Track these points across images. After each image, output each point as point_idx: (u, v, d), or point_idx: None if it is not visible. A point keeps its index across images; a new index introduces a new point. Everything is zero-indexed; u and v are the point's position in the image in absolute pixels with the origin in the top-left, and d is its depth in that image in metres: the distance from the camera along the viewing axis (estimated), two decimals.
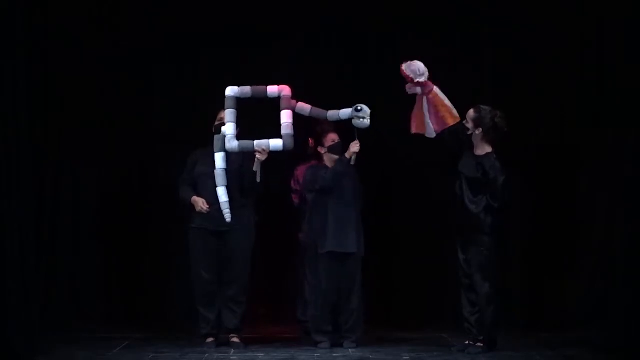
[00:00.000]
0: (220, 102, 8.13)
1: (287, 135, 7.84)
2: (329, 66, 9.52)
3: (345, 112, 7.99)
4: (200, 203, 8.13)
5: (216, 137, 7.94)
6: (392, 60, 9.24)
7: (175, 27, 9.39)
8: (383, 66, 9.35)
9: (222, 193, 7.87)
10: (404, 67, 7.91)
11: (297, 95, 8.02)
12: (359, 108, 7.93)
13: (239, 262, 8.21)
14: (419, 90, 7.95)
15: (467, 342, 7.97)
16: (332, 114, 8.05)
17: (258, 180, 8.03)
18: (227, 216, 7.86)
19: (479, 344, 7.89)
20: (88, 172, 9.35)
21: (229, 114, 7.91)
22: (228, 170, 7.94)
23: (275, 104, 7.93)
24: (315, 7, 9.42)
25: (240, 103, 7.93)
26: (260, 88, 7.97)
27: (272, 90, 7.96)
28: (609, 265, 8.89)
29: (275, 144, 7.86)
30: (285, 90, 7.94)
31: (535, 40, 9.27)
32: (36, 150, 8.42)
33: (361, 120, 7.95)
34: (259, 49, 9.39)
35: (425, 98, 7.96)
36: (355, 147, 8.15)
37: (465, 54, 9.35)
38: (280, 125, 7.85)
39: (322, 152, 8.38)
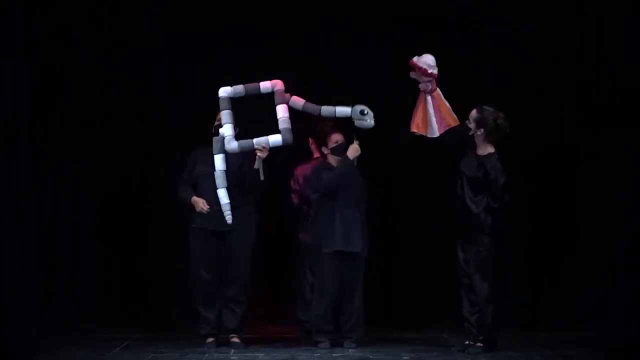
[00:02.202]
0: (219, 103, 8.14)
1: (285, 129, 7.80)
2: (329, 66, 9.52)
3: (343, 111, 7.92)
4: (201, 203, 8.13)
5: (214, 139, 7.93)
6: (391, 61, 9.27)
7: (175, 27, 9.39)
8: (383, 66, 9.36)
9: (222, 195, 7.86)
10: (415, 59, 7.91)
11: (297, 95, 8.03)
12: (365, 112, 7.86)
13: (239, 262, 8.21)
14: (428, 85, 7.94)
15: (467, 342, 7.97)
16: (326, 110, 7.94)
17: (262, 178, 8.02)
18: (229, 218, 7.85)
19: (479, 344, 7.90)
20: (88, 172, 9.35)
21: (225, 115, 7.88)
22: (228, 171, 7.93)
23: (270, 100, 7.92)
24: (315, 7, 9.42)
25: (235, 102, 7.92)
26: (252, 85, 7.93)
27: (265, 85, 7.91)
28: (609, 265, 8.90)
29: (275, 139, 7.83)
30: (278, 84, 7.89)
31: (535, 40, 9.27)
32: (36, 150, 8.42)
33: (367, 121, 7.90)
34: (259, 49, 9.39)
35: (429, 96, 7.96)
36: (356, 151, 8.14)
37: (465, 54, 9.35)
38: (277, 120, 7.83)
39: (326, 152, 8.39)
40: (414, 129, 8.09)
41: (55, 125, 9.17)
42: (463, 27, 9.37)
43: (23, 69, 7.87)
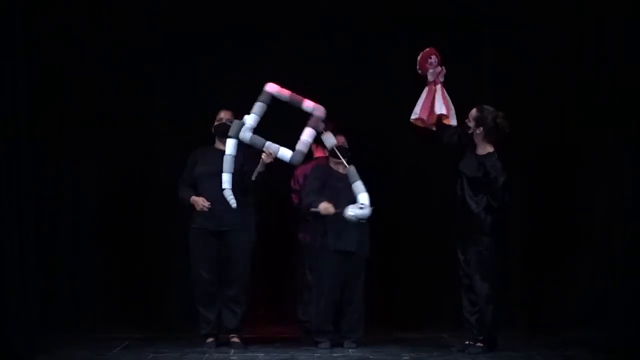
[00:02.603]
0: (219, 102, 8.14)
1: (300, 152, 7.78)
2: (329, 66, 9.52)
3: (358, 188, 7.88)
4: (200, 202, 8.13)
5: (235, 122, 7.87)
6: (391, 61, 9.28)
7: (175, 28, 9.40)
8: (383, 66, 9.36)
9: (227, 179, 7.81)
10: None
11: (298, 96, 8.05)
12: (362, 206, 7.80)
13: (240, 262, 8.21)
14: (441, 76, 7.97)
15: (467, 342, 7.97)
16: (357, 186, 7.90)
17: (253, 178, 8.01)
18: (232, 202, 7.81)
19: (479, 344, 7.90)
20: (88, 172, 9.35)
21: (258, 106, 7.80)
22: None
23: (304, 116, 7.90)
24: (315, 7, 9.42)
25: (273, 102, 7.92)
26: (298, 97, 7.86)
27: (308, 105, 7.85)
28: (609, 265, 8.88)
29: (283, 153, 7.82)
30: (318, 110, 7.83)
31: (535, 40, 9.27)
32: (36, 150, 8.42)
33: (359, 211, 7.83)
34: (259, 49, 9.39)
35: (438, 86, 8.01)
36: (325, 210, 8.10)
37: (465, 54, 9.35)
38: (298, 138, 7.80)
39: (326, 154, 8.39)
40: (444, 112, 8.04)
41: (55, 125, 9.17)
42: (463, 27, 9.37)
43: (23, 69, 7.87)
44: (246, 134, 7.80)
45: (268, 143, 7.84)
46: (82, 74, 9.26)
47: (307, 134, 7.80)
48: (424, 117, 8.07)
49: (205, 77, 9.39)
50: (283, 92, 7.84)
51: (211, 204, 8.09)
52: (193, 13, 9.38)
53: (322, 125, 7.88)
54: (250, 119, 7.80)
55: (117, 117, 9.39)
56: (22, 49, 7.88)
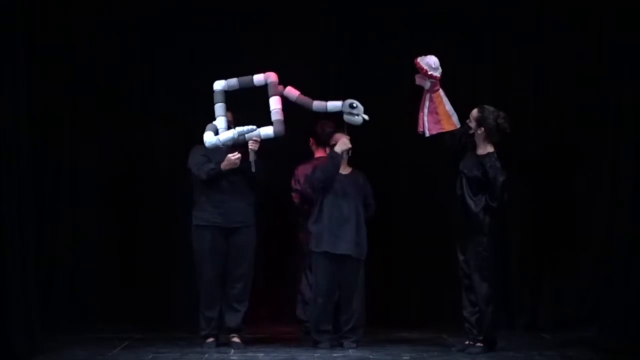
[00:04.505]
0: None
1: (278, 121, 7.82)
2: (330, 66, 9.52)
3: (334, 105, 7.87)
4: (232, 157, 7.97)
5: (216, 92, 7.94)
6: (391, 61, 9.28)
7: (175, 26, 9.39)
8: (383, 66, 9.36)
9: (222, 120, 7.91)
10: (418, 59, 7.90)
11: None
12: (354, 105, 7.81)
13: (246, 260, 8.19)
14: (427, 84, 7.92)
15: (467, 342, 7.97)
16: (318, 105, 7.92)
17: (253, 169, 8.01)
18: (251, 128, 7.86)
19: (479, 344, 7.90)
20: (88, 172, 9.33)
21: (218, 108, 7.94)
22: (234, 181, 8.04)
23: (264, 93, 7.95)
24: (315, 7, 9.43)
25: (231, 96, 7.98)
26: (246, 78, 7.97)
27: (259, 78, 7.95)
28: (609, 265, 8.90)
29: (266, 132, 7.84)
30: (271, 76, 7.93)
31: (535, 40, 9.27)
32: (36, 150, 8.42)
33: (355, 117, 7.86)
34: (259, 48, 9.38)
35: (428, 95, 7.95)
36: (344, 144, 8.06)
37: (465, 54, 9.35)
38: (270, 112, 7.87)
39: (326, 152, 8.38)
40: (427, 135, 8.01)
41: (55, 125, 9.16)
42: (463, 27, 9.37)
43: (23, 69, 7.85)
44: (227, 137, 7.83)
45: (247, 130, 7.84)
46: (83, 74, 9.24)
47: (275, 102, 7.84)
48: (432, 131, 8.03)
49: (205, 76, 9.37)
50: (231, 82, 7.95)
51: (219, 203, 8.07)
52: (193, 13, 9.37)
53: (281, 88, 7.91)
54: (219, 122, 7.90)
55: (117, 118, 9.36)
56: (22, 49, 7.85)
